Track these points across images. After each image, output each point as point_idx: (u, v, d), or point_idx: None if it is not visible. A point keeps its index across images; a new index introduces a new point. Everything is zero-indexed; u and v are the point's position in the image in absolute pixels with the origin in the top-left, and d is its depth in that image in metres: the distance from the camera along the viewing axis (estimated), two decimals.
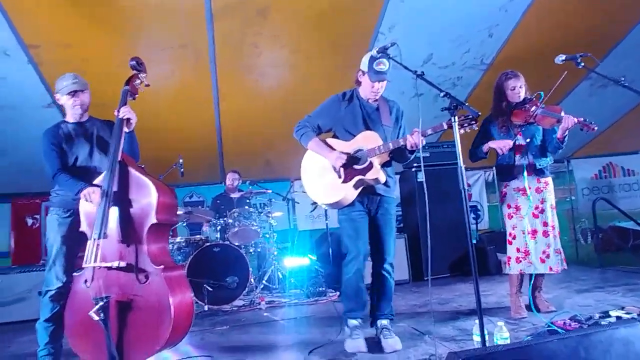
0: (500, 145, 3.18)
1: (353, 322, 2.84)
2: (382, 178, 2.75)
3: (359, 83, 2.91)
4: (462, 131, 2.39)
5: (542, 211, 3.22)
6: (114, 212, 2.46)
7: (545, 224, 3.21)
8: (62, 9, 3.88)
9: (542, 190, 3.24)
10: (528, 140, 3.24)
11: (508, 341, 2.38)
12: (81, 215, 2.52)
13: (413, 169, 5.38)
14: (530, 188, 3.22)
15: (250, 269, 4.61)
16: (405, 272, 5.13)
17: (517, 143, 3.23)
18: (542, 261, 3.18)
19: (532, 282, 3.29)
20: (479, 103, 2.85)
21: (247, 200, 5.34)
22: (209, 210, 5.35)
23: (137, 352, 2.32)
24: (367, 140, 2.78)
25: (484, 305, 2.13)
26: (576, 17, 4.76)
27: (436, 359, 2.37)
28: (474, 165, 3.88)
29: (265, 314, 4.14)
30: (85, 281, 2.40)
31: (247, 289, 4.58)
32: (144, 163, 2.83)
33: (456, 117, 2.28)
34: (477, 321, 2.12)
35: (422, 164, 2.84)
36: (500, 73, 3.34)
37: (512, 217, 3.27)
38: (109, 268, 2.37)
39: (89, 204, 2.48)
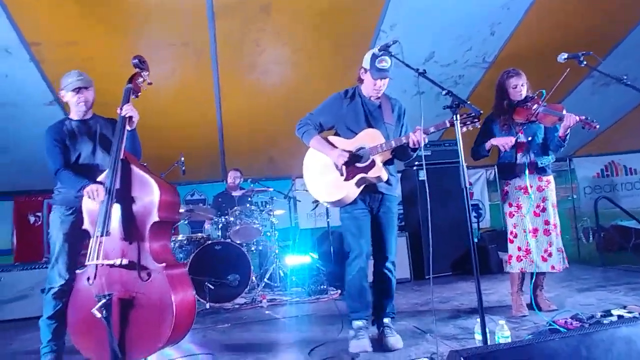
0: (503, 142, 3.17)
1: (358, 323, 2.78)
2: (385, 176, 2.75)
3: (361, 80, 2.90)
4: (464, 129, 2.39)
5: (544, 210, 3.21)
6: (116, 210, 2.46)
7: (547, 223, 3.20)
8: (63, 6, 3.88)
9: (543, 189, 3.24)
10: (530, 138, 3.24)
11: (509, 340, 2.38)
12: (84, 213, 2.53)
13: (414, 168, 5.38)
14: (531, 186, 3.22)
15: (252, 267, 4.61)
16: (407, 271, 5.14)
17: (518, 140, 3.23)
18: (544, 260, 3.18)
19: (533, 280, 3.29)
20: (481, 101, 2.85)
21: (249, 199, 5.35)
22: (211, 208, 5.36)
23: (139, 349, 2.33)
24: (370, 138, 2.77)
25: (485, 304, 2.13)
26: (578, 17, 4.75)
27: (438, 357, 2.37)
28: (475, 163, 3.88)
29: (266, 312, 4.15)
30: (88, 279, 2.40)
31: (248, 287, 4.59)
32: (146, 161, 2.84)
33: (458, 116, 2.28)
34: (478, 320, 2.12)
35: (423, 163, 2.85)
36: (502, 71, 3.33)
37: (513, 215, 3.27)
38: (112, 265, 2.37)
39: (92, 201, 2.48)
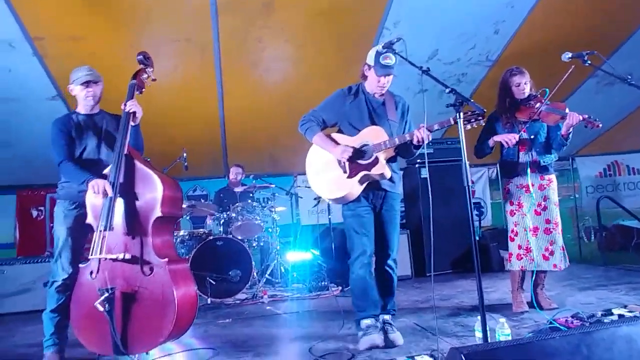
0: (506, 138, 3.16)
1: (366, 321, 2.73)
2: (388, 173, 2.74)
3: (364, 77, 2.88)
4: (468, 126, 2.38)
5: (545, 208, 3.21)
6: (119, 205, 2.47)
7: (548, 221, 3.20)
8: (66, 1, 3.89)
9: (545, 188, 3.24)
10: (532, 136, 3.24)
11: (510, 338, 2.38)
12: (87, 208, 2.54)
13: (417, 165, 5.38)
14: (533, 185, 3.22)
15: (253, 263, 4.63)
16: (408, 268, 5.15)
17: (521, 138, 3.22)
18: (546, 258, 3.19)
19: (533, 279, 3.29)
20: (484, 100, 2.84)
21: (251, 195, 5.36)
22: (213, 204, 5.37)
23: (141, 343, 2.34)
24: (373, 135, 2.76)
25: (486, 301, 2.13)
26: (582, 16, 4.73)
27: (438, 354, 2.37)
28: (477, 161, 3.88)
29: (267, 307, 4.17)
30: (91, 273, 2.42)
31: (249, 282, 4.60)
32: (149, 156, 2.85)
33: (461, 114, 2.28)
34: (479, 317, 2.13)
35: (426, 160, 2.84)
36: (506, 69, 3.32)
37: (514, 213, 3.27)
38: (115, 260, 2.39)
39: (95, 196, 2.48)
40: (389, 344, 2.68)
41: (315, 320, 3.61)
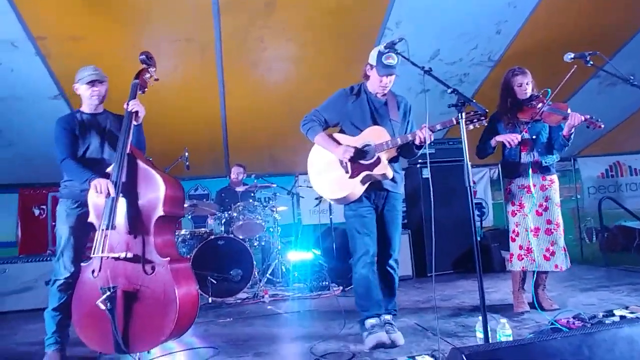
0: (508, 138, 3.15)
1: (371, 321, 2.72)
2: (390, 174, 2.74)
3: (367, 77, 2.88)
4: (471, 126, 2.38)
5: (546, 209, 3.21)
6: (122, 204, 2.48)
7: (549, 222, 3.20)
8: (68, 1, 3.89)
9: (547, 188, 3.23)
10: (534, 137, 3.23)
11: (511, 338, 2.38)
12: (90, 207, 2.55)
13: (418, 165, 5.38)
14: (534, 185, 3.21)
15: (254, 263, 4.63)
16: (409, 268, 5.15)
17: (523, 138, 3.22)
18: (547, 259, 3.18)
19: (534, 279, 3.29)
20: (486, 100, 2.84)
21: (252, 194, 5.36)
22: (214, 204, 5.38)
23: (143, 342, 2.35)
24: (375, 135, 2.76)
25: (487, 302, 2.13)
26: (584, 16, 4.72)
27: (439, 354, 2.37)
28: (479, 162, 3.88)
29: (268, 307, 4.17)
30: (93, 271, 2.43)
31: (251, 282, 4.60)
32: (151, 156, 2.85)
33: (463, 114, 2.27)
34: (480, 318, 2.13)
35: (427, 161, 2.84)
36: (508, 69, 3.32)
37: (515, 214, 3.27)
38: (117, 259, 2.40)
39: (97, 195, 2.49)
40: (389, 344, 2.67)
41: (316, 320, 3.61)
